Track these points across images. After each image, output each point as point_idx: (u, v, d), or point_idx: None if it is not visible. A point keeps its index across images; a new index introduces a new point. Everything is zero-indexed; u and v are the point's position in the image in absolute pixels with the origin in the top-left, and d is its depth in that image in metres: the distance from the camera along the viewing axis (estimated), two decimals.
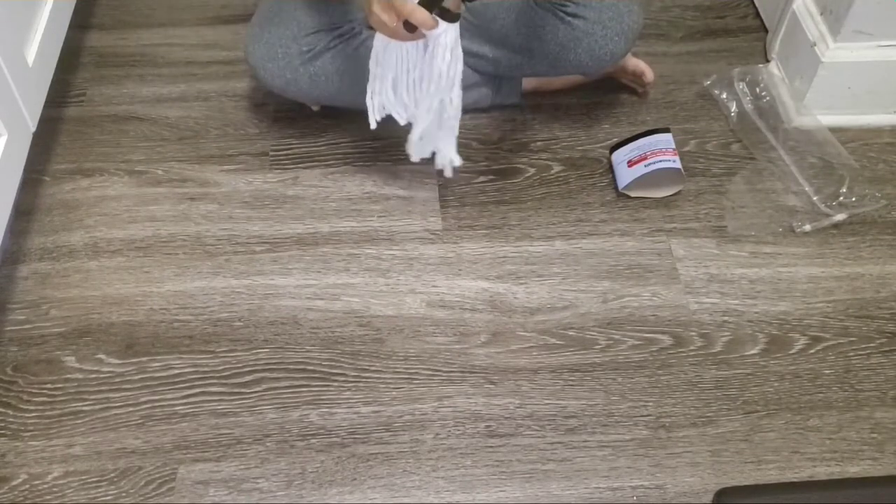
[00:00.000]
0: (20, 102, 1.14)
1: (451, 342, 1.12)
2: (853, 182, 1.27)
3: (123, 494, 0.99)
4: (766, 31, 1.51)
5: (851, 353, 1.11)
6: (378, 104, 1.15)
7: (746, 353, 1.11)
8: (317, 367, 1.10)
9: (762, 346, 1.12)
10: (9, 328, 1.13)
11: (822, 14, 1.33)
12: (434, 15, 1.03)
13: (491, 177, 1.27)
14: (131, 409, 1.06)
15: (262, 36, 1.23)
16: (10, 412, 1.05)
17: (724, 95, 1.39)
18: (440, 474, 1.01)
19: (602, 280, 1.18)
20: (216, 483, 1.00)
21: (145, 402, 1.06)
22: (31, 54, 1.19)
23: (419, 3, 1.01)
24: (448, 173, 1.20)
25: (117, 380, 1.08)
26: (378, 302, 1.16)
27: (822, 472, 1.01)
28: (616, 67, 1.36)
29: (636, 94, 1.41)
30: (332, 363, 1.10)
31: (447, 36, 1.05)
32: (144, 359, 1.10)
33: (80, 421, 1.05)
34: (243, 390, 1.07)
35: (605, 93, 1.41)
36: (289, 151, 1.33)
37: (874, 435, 1.04)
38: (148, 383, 1.08)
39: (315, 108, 1.36)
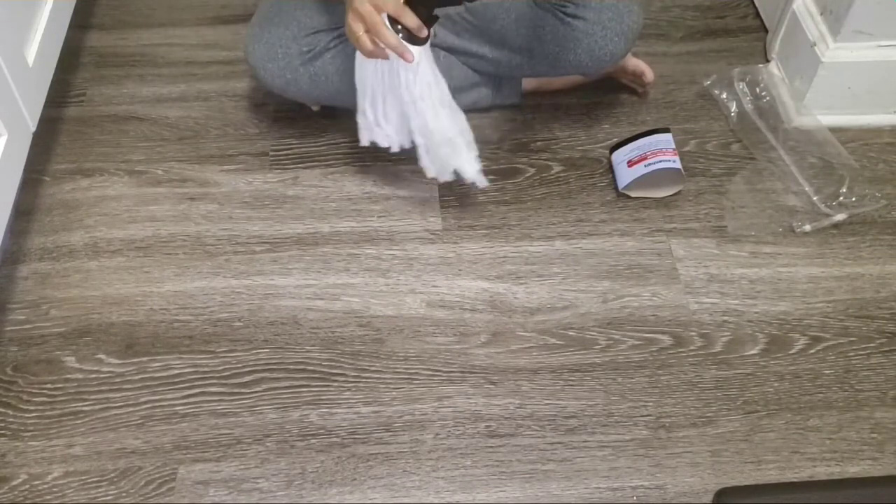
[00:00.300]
0: (20, 102, 1.14)
1: (451, 342, 1.12)
2: (853, 182, 1.27)
3: (123, 494, 0.99)
4: (766, 31, 1.51)
5: (851, 353, 1.11)
6: (364, 126, 1.19)
7: (746, 353, 1.11)
8: (317, 368, 1.10)
9: (762, 346, 1.12)
10: (9, 328, 1.13)
11: (822, 14, 1.33)
12: (400, 38, 1.05)
13: (491, 177, 1.27)
14: (131, 409, 1.06)
15: (262, 36, 1.23)
16: (10, 412, 1.05)
17: (724, 95, 1.39)
18: (440, 474, 1.01)
19: (602, 280, 1.18)
20: (216, 483, 1.00)
21: (145, 403, 1.06)
22: (31, 54, 1.19)
23: (389, 24, 1.05)
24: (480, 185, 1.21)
25: (117, 380, 1.08)
26: (378, 302, 1.16)
27: (822, 472, 1.01)
28: (616, 67, 1.36)
29: (636, 94, 1.41)
30: (332, 363, 1.10)
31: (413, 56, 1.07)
32: (144, 359, 1.10)
33: (80, 421, 1.05)
34: (243, 390, 1.07)
35: (605, 93, 1.41)
36: (289, 151, 1.33)
37: (874, 435, 1.04)
38: (148, 383, 1.08)
39: (315, 108, 1.36)
